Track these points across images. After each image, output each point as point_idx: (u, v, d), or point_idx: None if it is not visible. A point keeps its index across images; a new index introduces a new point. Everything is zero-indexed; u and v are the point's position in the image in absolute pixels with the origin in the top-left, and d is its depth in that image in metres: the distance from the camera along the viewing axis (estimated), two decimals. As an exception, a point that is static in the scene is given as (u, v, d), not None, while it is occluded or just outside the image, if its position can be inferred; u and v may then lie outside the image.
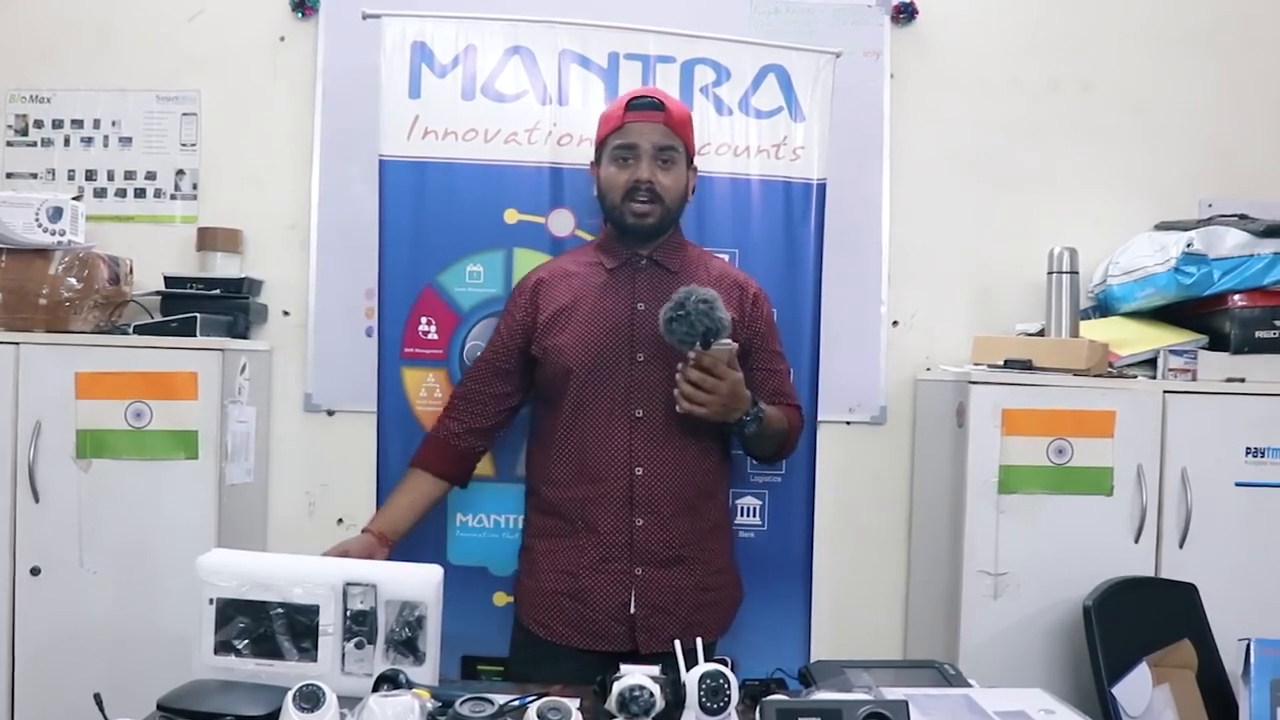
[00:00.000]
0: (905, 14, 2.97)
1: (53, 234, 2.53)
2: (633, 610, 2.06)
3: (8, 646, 2.48)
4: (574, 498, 2.10)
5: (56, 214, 2.54)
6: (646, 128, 2.10)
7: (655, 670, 1.56)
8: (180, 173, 2.95)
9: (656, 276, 2.14)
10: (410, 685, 1.56)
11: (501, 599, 2.43)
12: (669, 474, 2.08)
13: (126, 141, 2.95)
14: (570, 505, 2.10)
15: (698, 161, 2.25)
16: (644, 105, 2.11)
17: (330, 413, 2.92)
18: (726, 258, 2.46)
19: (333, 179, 2.89)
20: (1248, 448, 2.50)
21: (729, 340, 1.97)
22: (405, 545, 2.15)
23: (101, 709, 1.56)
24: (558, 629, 2.09)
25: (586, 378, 2.09)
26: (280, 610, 1.67)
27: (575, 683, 1.71)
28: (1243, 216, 2.70)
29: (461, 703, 1.52)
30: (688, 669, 1.52)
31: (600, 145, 2.17)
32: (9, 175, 2.94)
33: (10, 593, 2.47)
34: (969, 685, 1.73)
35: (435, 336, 2.47)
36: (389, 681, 1.57)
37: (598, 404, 2.08)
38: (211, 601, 1.68)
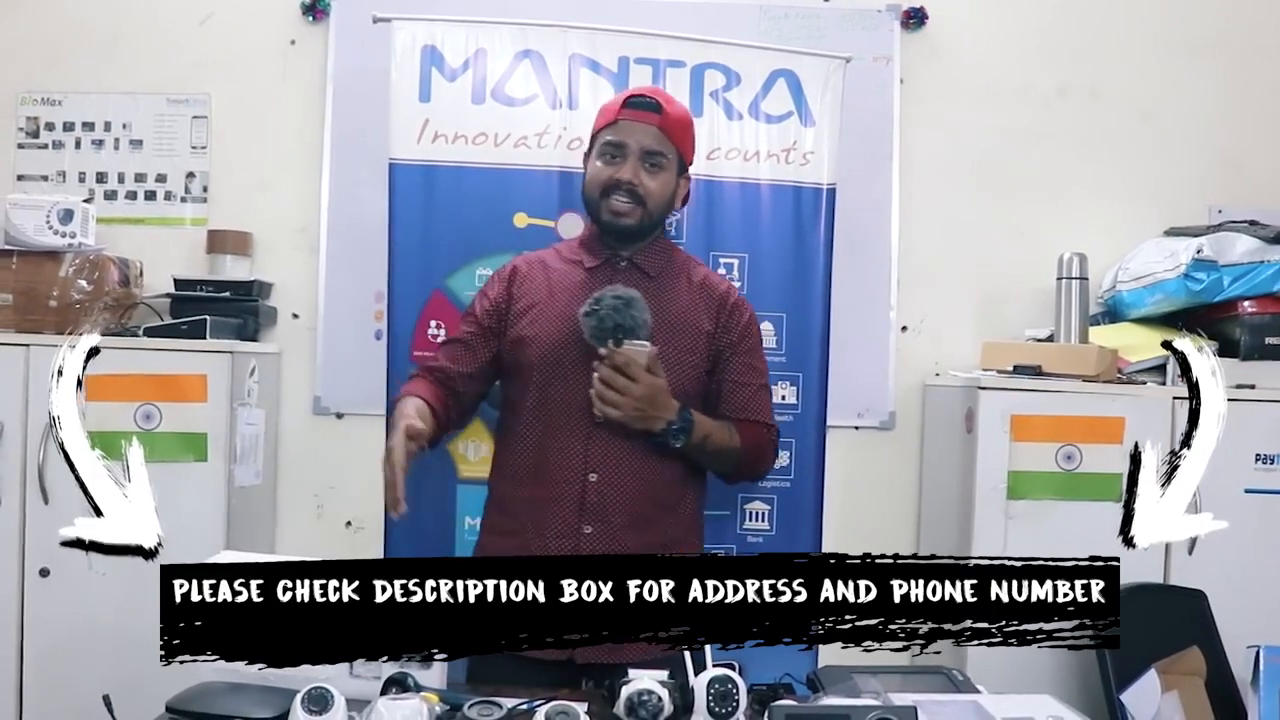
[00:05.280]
0: (915, 19, 2.97)
1: (63, 236, 2.55)
2: None
3: (17, 647, 2.49)
4: (524, 497, 2.00)
5: (67, 216, 2.56)
6: (639, 128, 1.99)
7: (664, 675, 1.56)
8: (190, 175, 2.96)
9: (634, 279, 2.02)
10: (419, 688, 1.56)
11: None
12: (624, 483, 1.96)
13: (137, 144, 2.96)
14: (519, 504, 2.00)
15: (708, 166, 2.22)
16: (641, 105, 2.02)
17: (339, 415, 2.93)
18: (736, 262, 2.46)
19: (343, 182, 2.90)
20: (1257, 454, 2.49)
21: (645, 342, 1.88)
22: (415, 549, 2.14)
23: (110, 710, 1.56)
24: None
25: (550, 374, 1.98)
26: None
27: (523, 689, 1.63)
28: (1253, 223, 2.70)
29: (470, 706, 1.52)
30: (696, 674, 1.52)
31: (594, 138, 2.07)
32: (20, 177, 2.95)
33: (19, 594, 2.48)
34: (977, 691, 1.72)
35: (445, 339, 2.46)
36: (397, 684, 1.57)
37: (558, 403, 1.98)
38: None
